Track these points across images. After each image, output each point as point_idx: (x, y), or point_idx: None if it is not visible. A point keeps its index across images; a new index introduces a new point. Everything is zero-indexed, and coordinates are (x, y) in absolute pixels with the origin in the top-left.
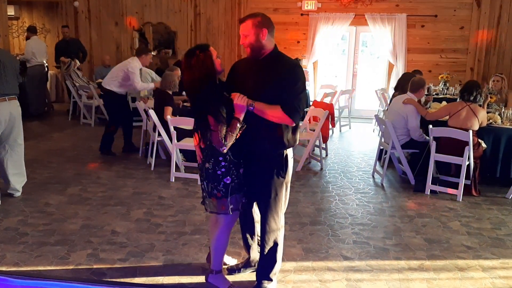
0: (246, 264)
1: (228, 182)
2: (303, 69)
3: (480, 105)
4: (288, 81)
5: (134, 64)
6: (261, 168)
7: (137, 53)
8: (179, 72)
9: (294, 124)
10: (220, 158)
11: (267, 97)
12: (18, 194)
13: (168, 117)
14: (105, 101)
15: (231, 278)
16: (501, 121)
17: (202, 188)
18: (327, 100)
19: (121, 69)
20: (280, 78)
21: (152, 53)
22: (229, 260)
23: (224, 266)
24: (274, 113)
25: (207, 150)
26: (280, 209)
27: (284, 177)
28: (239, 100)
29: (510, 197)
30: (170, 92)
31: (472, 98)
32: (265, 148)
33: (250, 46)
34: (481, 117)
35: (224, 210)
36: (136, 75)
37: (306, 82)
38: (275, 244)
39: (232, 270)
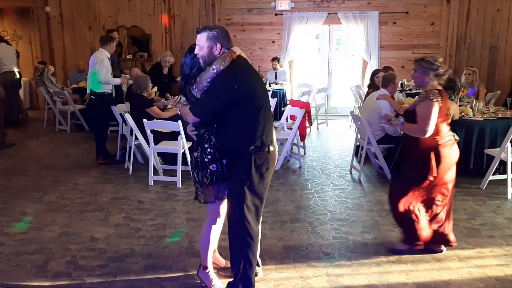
0: None
1: (214, 169)
2: (283, 69)
3: (452, 99)
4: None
5: (102, 55)
6: (228, 165)
7: (103, 42)
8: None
9: (194, 116)
10: (206, 145)
11: None
12: None
13: (144, 120)
14: (93, 104)
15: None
16: (473, 114)
17: (193, 180)
18: (303, 98)
19: (93, 64)
20: None
21: (128, 56)
22: (222, 261)
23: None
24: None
25: (196, 139)
26: (238, 213)
27: (243, 181)
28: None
29: (484, 188)
30: (145, 95)
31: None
32: (227, 144)
33: (202, 58)
34: (453, 110)
35: (210, 198)
36: (102, 65)
37: (283, 81)
38: (240, 254)
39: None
